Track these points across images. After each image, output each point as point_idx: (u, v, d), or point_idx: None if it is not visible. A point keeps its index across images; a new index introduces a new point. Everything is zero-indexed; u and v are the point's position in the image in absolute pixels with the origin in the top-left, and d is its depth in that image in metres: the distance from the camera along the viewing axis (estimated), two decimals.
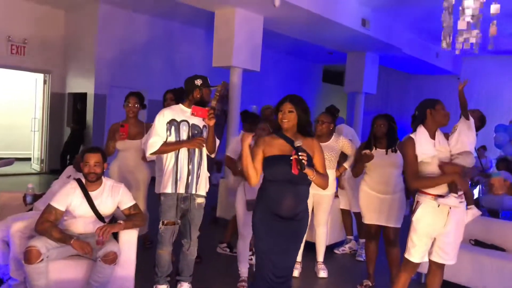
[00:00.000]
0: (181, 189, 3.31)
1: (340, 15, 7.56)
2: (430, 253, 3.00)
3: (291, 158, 2.55)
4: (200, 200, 3.42)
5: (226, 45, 7.05)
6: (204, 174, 3.42)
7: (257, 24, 7.29)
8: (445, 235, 2.91)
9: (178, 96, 4.21)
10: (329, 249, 4.64)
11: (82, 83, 8.90)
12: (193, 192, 3.35)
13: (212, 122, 3.27)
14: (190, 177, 3.32)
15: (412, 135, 2.95)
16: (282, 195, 2.66)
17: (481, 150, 8.83)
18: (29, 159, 9.97)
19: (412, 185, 2.91)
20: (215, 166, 7.83)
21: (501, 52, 10.58)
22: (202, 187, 3.40)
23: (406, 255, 3.00)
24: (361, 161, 3.86)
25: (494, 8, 3.17)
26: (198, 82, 3.37)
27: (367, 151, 3.81)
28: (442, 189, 2.86)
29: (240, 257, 3.81)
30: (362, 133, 9.69)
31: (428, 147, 2.87)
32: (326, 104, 13.67)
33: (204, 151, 3.40)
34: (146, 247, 4.53)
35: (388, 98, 13.38)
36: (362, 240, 4.84)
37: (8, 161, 6.41)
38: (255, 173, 2.69)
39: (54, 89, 9.34)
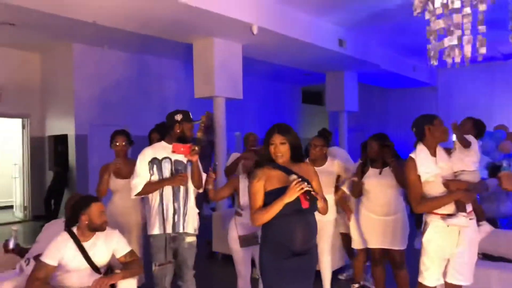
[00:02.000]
0: (169, 229, 3.21)
1: (317, 37, 7.65)
2: (445, 274, 2.90)
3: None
4: (190, 239, 3.30)
5: (207, 75, 7.02)
6: (192, 211, 3.32)
7: (236, 53, 7.31)
8: (458, 255, 2.82)
9: (163, 133, 4.15)
10: (333, 274, 4.50)
11: (61, 125, 8.72)
12: (181, 231, 3.25)
13: (195, 158, 3.20)
14: (176, 216, 3.23)
15: (412, 155, 2.88)
16: (294, 227, 2.47)
17: None
18: (11, 207, 9.64)
19: (418, 209, 2.82)
20: (204, 197, 7.67)
21: (475, 61, 10.84)
22: (190, 225, 3.29)
23: (420, 279, 2.89)
24: (354, 189, 3.82)
25: (482, 28, 3.19)
26: (178, 117, 3.30)
27: (355, 179, 3.76)
28: (450, 208, 2.78)
29: None
30: (348, 152, 9.70)
31: (430, 165, 2.80)
32: (308, 125, 13.77)
33: (190, 187, 3.31)
34: None
35: (368, 114, 13.52)
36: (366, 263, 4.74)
37: None
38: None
39: (34, 133, 9.13)
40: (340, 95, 10.50)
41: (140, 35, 6.81)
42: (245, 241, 3.49)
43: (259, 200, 2.53)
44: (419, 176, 2.81)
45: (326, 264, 4.08)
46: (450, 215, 2.76)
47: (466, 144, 3.00)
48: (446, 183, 2.79)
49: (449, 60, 3.08)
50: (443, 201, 2.77)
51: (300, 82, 13.54)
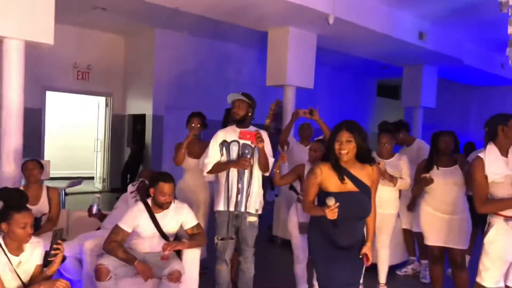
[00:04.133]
0: (232, 207, 3.42)
1: (396, 29, 7.41)
2: (506, 278, 2.79)
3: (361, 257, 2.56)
4: (252, 219, 3.46)
5: (279, 64, 7.10)
6: (255, 192, 3.47)
7: (310, 42, 7.30)
8: None
9: None
10: (391, 269, 4.46)
11: (141, 105, 9.29)
12: (243, 210, 3.43)
13: (261, 145, 3.35)
14: (239, 196, 3.41)
15: (481, 155, 2.77)
16: (338, 231, 2.54)
17: None
18: (92, 178, 10.48)
19: (481, 210, 2.73)
20: (268, 183, 7.82)
21: None
22: (252, 206, 3.45)
23: (478, 279, 2.80)
24: (420, 185, 3.70)
25: None
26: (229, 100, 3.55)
27: (427, 175, 3.61)
28: None
29: (298, 280, 3.74)
30: None
31: (499, 166, 2.68)
32: (382, 119, 13.31)
33: (255, 170, 3.47)
34: (201, 273, 4.50)
35: (447, 112, 12.84)
36: (425, 261, 4.63)
37: (77, 181, 6.76)
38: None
39: (115, 111, 9.81)
40: (417, 90, 10.08)
41: (217, 21, 7.04)
42: (304, 228, 3.55)
43: (311, 195, 2.61)
44: (486, 176, 2.71)
45: (384, 257, 4.05)
46: None
47: None
48: None
49: None
50: (509, 203, 2.65)
51: (377, 74, 13.16)
